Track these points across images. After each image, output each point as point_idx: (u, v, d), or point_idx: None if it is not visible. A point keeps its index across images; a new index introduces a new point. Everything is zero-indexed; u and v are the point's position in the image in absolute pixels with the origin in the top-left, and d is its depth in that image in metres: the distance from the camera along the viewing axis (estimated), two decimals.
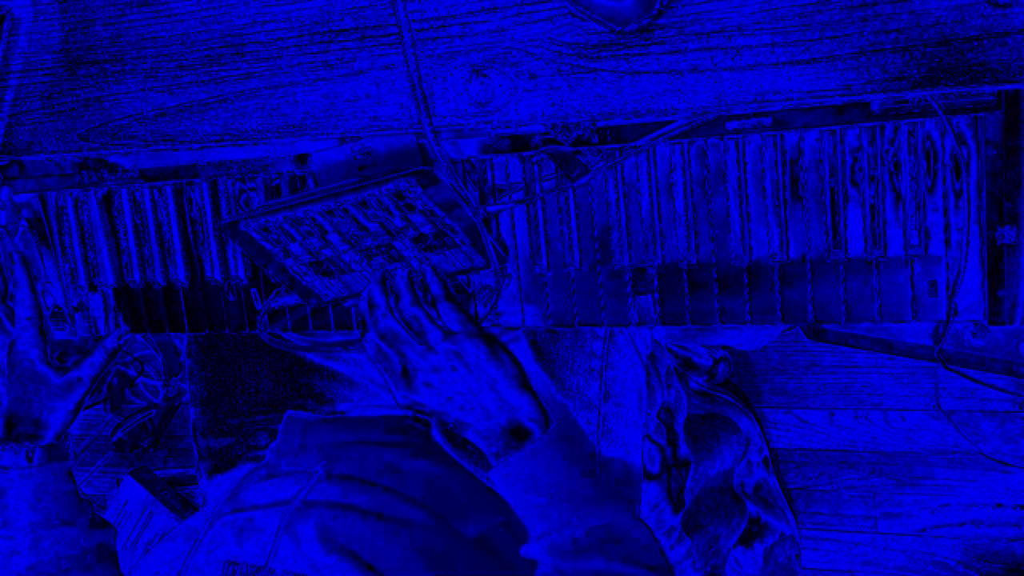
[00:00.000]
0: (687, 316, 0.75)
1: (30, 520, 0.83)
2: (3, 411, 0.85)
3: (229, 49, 0.75)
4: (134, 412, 1.68)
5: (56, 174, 0.87)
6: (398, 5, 0.70)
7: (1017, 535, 1.35)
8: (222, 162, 0.82)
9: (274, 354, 0.99)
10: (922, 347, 0.88)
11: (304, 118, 0.74)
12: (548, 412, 0.73)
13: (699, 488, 1.10)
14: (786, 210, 0.71)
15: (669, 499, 0.99)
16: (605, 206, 0.75)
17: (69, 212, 0.88)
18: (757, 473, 1.31)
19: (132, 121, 0.78)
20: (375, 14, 0.71)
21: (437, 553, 0.74)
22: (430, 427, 0.92)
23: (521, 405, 0.72)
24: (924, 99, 0.65)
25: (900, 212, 0.69)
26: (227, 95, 0.76)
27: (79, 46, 0.78)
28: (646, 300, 0.76)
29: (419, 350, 0.72)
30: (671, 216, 0.74)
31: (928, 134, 0.67)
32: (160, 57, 0.76)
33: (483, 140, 0.75)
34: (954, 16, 0.60)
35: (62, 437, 0.87)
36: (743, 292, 0.73)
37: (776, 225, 0.72)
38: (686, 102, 0.67)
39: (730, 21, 0.64)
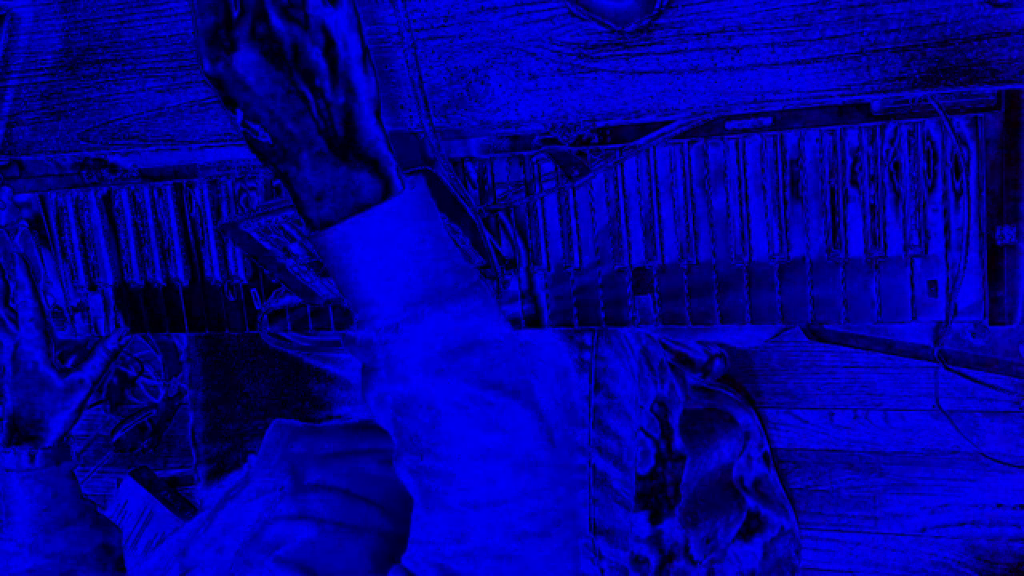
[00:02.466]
0: (687, 316, 0.75)
1: (32, 522, 0.83)
2: (7, 413, 0.85)
3: None
4: (134, 412, 1.68)
5: (56, 174, 0.87)
6: (398, 5, 0.70)
7: (1017, 535, 1.35)
8: (222, 162, 0.82)
9: (272, 359, 0.99)
10: (922, 347, 0.88)
11: None
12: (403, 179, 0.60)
13: (696, 482, 1.10)
14: (786, 210, 0.71)
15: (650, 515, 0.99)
16: (605, 206, 0.75)
17: (69, 212, 0.88)
18: (757, 468, 1.31)
19: (132, 121, 0.78)
20: (375, 14, 0.71)
21: (396, 557, 0.73)
22: None
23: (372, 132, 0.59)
24: (924, 99, 0.65)
25: (900, 212, 0.69)
26: None
27: (79, 46, 0.78)
28: (646, 300, 0.76)
29: None
30: (671, 216, 0.74)
31: (928, 134, 0.67)
32: (160, 57, 0.76)
33: (483, 140, 0.75)
34: (954, 16, 0.60)
35: (64, 439, 0.87)
36: (743, 292, 0.73)
37: (776, 225, 0.72)
38: (686, 102, 0.67)
39: (730, 21, 0.64)
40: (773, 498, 1.32)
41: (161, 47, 0.76)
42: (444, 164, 0.72)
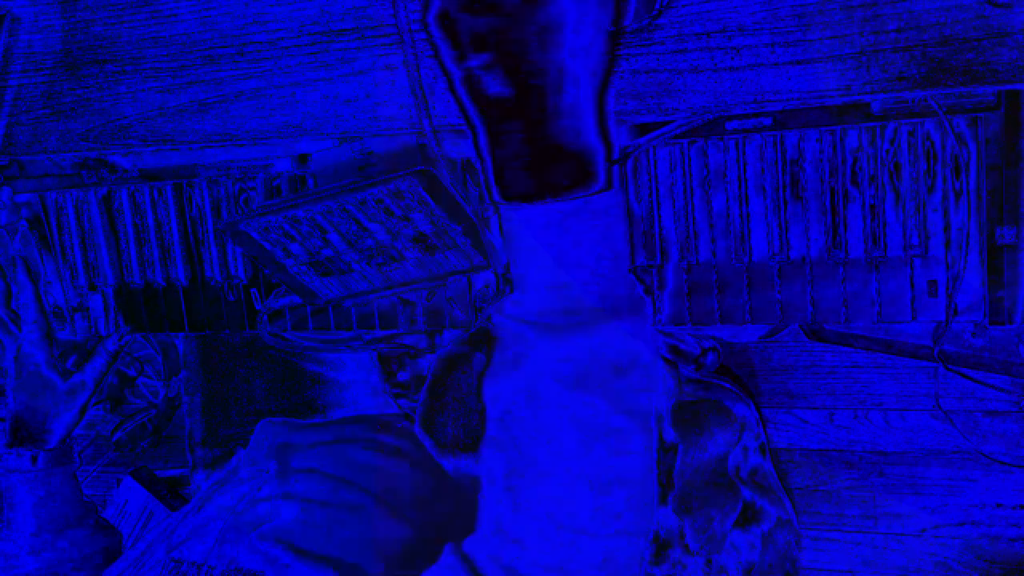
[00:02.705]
0: (687, 316, 0.75)
1: (34, 523, 0.83)
2: (9, 415, 0.85)
3: (229, 49, 0.75)
4: (134, 412, 1.68)
5: (56, 174, 0.87)
6: (398, 5, 0.70)
7: (1017, 535, 1.34)
8: (222, 162, 0.82)
9: (267, 364, 0.99)
10: (922, 347, 0.88)
11: (304, 118, 0.74)
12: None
13: (690, 472, 1.10)
14: (786, 210, 0.71)
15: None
16: None
17: (69, 212, 0.88)
18: (753, 459, 1.31)
19: (132, 121, 0.78)
20: (375, 14, 0.71)
21: (380, 536, 0.73)
22: (414, 423, 0.93)
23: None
24: (924, 99, 0.65)
25: (900, 212, 0.69)
26: (227, 95, 0.76)
27: (79, 46, 0.78)
28: (647, 300, 0.76)
29: None
30: (671, 216, 0.74)
31: (928, 134, 0.67)
32: (160, 57, 0.76)
33: None
34: (954, 16, 0.60)
35: (66, 441, 0.87)
36: (743, 292, 0.73)
37: (776, 225, 0.72)
38: (686, 102, 0.67)
39: (730, 21, 0.64)
40: (769, 488, 1.32)
41: (161, 47, 0.76)
42: (444, 165, 0.72)
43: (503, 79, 0.53)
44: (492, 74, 0.53)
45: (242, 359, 1.00)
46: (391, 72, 0.72)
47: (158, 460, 1.73)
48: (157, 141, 0.78)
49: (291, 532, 0.70)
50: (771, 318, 0.73)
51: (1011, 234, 0.66)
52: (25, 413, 0.85)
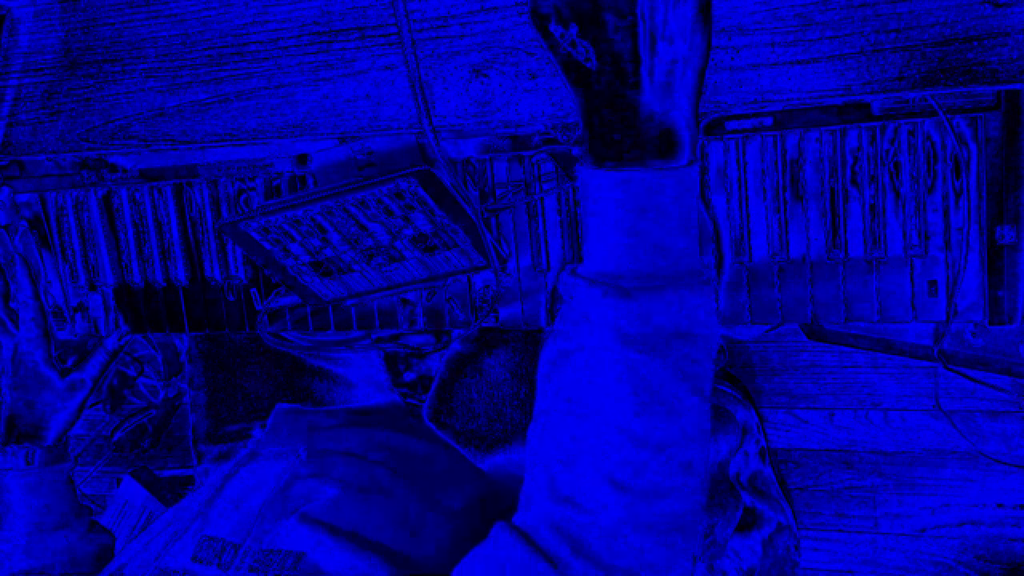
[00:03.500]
0: None
1: (27, 523, 0.83)
2: (5, 412, 0.85)
3: (229, 49, 0.75)
4: (134, 412, 1.68)
5: (56, 174, 0.87)
6: (398, 5, 0.70)
7: (1017, 535, 1.35)
8: (222, 162, 0.82)
9: (274, 359, 0.99)
10: (922, 347, 0.88)
11: (304, 118, 0.74)
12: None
13: None
14: (786, 210, 0.71)
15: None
16: None
17: (69, 212, 0.88)
18: (753, 464, 1.31)
19: (132, 121, 0.78)
20: (375, 14, 0.71)
21: (412, 520, 0.73)
22: (422, 418, 0.93)
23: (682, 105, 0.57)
24: (924, 99, 0.65)
25: (900, 212, 0.69)
26: (227, 95, 0.76)
27: (79, 46, 0.78)
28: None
29: None
30: None
31: (928, 134, 0.67)
32: (160, 57, 0.76)
33: (483, 140, 0.75)
34: (954, 16, 0.60)
35: (62, 439, 0.87)
36: (743, 292, 0.73)
37: (776, 225, 0.72)
38: None
39: (730, 21, 0.64)
40: (769, 494, 1.32)
41: (161, 47, 0.76)
42: (444, 165, 0.72)
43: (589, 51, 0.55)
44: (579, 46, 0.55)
45: (248, 354, 1.00)
46: (391, 72, 0.72)
47: (158, 460, 1.73)
48: (157, 141, 0.78)
49: (331, 514, 0.70)
50: (771, 318, 0.73)
51: (1011, 234, 0.66)
52: (23, 410, 0.85)
